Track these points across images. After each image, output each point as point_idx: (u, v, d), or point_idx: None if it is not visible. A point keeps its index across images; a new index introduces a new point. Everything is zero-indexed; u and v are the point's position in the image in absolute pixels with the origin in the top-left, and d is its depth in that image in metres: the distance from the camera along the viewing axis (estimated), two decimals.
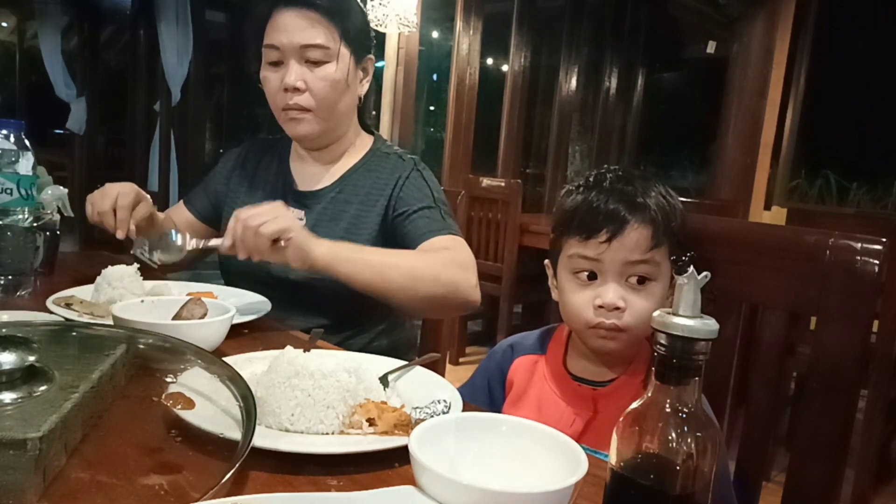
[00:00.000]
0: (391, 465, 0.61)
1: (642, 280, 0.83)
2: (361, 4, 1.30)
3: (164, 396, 0.64)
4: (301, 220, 1.25)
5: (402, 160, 1.29)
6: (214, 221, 1.40)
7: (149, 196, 1.22)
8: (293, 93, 1.19)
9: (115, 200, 1.15)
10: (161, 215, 1.35)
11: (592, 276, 0.84)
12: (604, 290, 0.83)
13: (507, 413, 0.79)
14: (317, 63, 1.19)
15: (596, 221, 0.82)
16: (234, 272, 1.29)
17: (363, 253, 1.09)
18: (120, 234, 1.16)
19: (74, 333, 0.76)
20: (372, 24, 3.47)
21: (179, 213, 1.42)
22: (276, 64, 1.21)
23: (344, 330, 1.23)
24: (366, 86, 1.31)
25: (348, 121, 1.29)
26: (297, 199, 1.29)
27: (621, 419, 0.49)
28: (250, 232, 0.97)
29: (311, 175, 1.31)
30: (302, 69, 1.19)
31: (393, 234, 1.21)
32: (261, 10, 1.23)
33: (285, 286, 1.20)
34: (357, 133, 1.34)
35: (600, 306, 0.82)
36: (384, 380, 0.78)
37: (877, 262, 0.77)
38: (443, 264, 1.11)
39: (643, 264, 0.82)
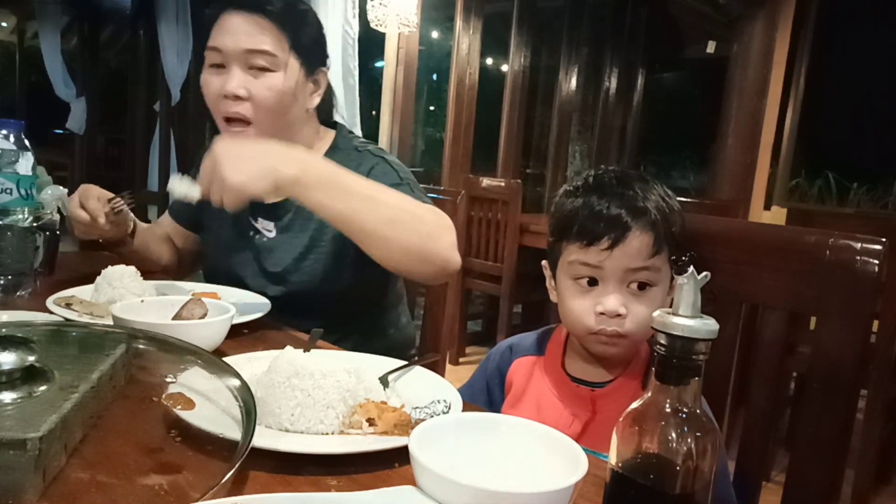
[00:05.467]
0: (391, 465, 0.61)
1: (643, 286, 0.83)
2: (318, 16, 1.25)
3: (164, 396, 0.64)
4: (270, 232, 1.23)
5: (361, 153, 1.24)
6: (199, 227, 1.40)
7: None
8: (234, 101, 1.12)
9: (79, 201, 1.17)
10: (144, 225, 1.36)
11: (593, 282, 0.84)
12: (605, 298, 0.82)
13: (506, 414, 0.79)
14: (262, 70, 1.13)
15: (597, 228, 0.82)
16: (216, 279, 1.28)
17: (345, 177, 0.97)
18: (101, 221, 1.16)
19: (74, 333, 0.76)
20: (372, 25, 3.50)
21: (165, 222, 1.44)
22: (219, 67, 1.15)
23: (325, 338, 1.21)
24: (317, 99, 1.24)
25: (295, 134, 1.22)
26: (267, 211, 1.24)
27: (621, 419, 0.49)
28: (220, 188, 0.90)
29: None
30: (245, 76, 1.12)
31: None
32: (209, 12, 1.17)
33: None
34: (315, 136, 1.28)
35: (602, 313, 0.82)
36: (384, 380, 0.78)
37: (877, 262, 0.77)
38: (426, 211, 1.04)
39: (644, 271, 0.82)
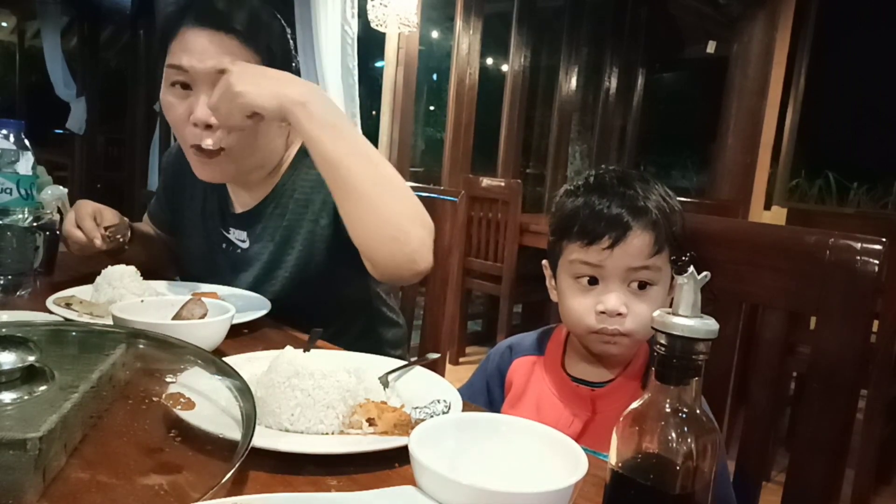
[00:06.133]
0: (391, 465, 0.61)
1: (643, 285, 0.83)
2: (282, 21, 1.16)
3: (164, 396, 0.63)
4: (244, 242, 1.21)
5: None
6: (174, 232, 1.39)
7: (110, 208, 1.22)
8: (203, 130, 1.04)
9: (75, 220, 1.15)
10: (141, 225, 1.37)
11: (593, 281, 0.84)
12: (606, 297, 0.82)
13: (506, 414, 0.79)
14: None
15: (598, 227, 0.82)
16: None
17: (345, 125, 0.95)
18: (97, 242, 1.15)
19: (74, 333, 0.76)
20: (372, 24, 3.50)
21: (147, 224, 1.43)
22: (183, 87, 1.07)
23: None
24: None
25: (269, 151, 1.15)
26: (237, 221, 1.22)
27: (621, 419, 0.49)
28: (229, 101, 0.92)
29: (247, 196, 1.22)
30: None
31: (335, 230, 1.10)
32: (166, 23, 1.09)
33: None
34: (285, 145, 1.20)
35: (602, 312, 0.82)
36: (384, 380, 0.78)
37: (877, 262, 0.77)
38: (414, 199, 0.97)
39: (645, 270, 0.82)
